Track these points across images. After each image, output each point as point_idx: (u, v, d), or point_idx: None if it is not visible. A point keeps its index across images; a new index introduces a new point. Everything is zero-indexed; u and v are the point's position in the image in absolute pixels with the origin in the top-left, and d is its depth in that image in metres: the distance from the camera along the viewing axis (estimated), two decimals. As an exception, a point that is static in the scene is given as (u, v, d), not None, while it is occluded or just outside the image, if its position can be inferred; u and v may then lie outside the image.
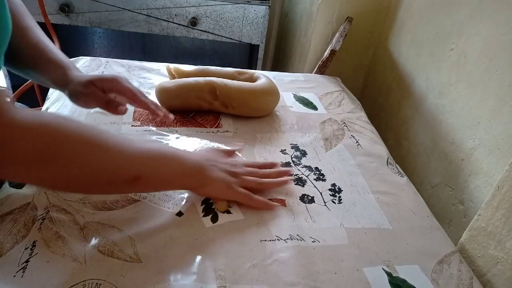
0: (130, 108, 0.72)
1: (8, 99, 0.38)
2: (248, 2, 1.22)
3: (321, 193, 0.60)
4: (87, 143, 0.43)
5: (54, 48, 0.60)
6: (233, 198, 0.54)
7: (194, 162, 0.53)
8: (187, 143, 0.66)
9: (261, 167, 0.60)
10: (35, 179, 0.42)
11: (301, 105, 0.83)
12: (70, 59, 0.62)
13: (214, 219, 0.52)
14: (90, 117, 0.68)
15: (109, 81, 0.59)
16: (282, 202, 0.57)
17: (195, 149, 0.64)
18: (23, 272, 0.42)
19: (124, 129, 0.67)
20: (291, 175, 0.62)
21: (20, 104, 0.77)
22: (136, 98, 0.60)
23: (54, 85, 0.61)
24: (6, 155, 0.37)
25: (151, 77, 0.84)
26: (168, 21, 1.25)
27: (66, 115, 0.44)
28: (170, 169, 0.50)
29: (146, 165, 0.48)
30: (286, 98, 0.84)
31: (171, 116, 0.64)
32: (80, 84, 0.57)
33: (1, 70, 0.56)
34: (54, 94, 0.76)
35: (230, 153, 0.63)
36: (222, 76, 0.78)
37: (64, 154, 0.41)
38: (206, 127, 0.71)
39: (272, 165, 0.62)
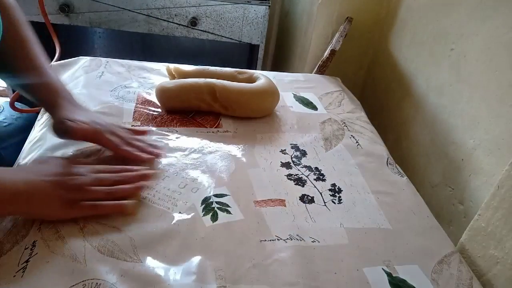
0: (130, 108, 0.72)
1: None
2: (248, 2, 1.22)
3: (321, 193, 0.60)
4: None
5: (49, 68, 0.58)
6: (74, 216, 0.48)
7: (22, 183, 0.45)
8: (187, 143, 0.66)
9: (117, 171, 0.53)
10: None
11: (301, 105, 0.83)
12: (61, 77, 0.60)
13: (214, 218, 0.52)
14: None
15: (91, 135, 0.55)
16: (282, 202, 0.57)
17: (27, 162, 0.56)
18: (23, 272, 0.42)
19: (124, 129, 0.67)
20: (148, 177, 0.55)
21: (20, 104, 0.77)
22: (119, 150, 0.56)
23: (38, 102, 0.59)
24: None
25: (151, 77, 0.84)
26: (168, 21, 1.25)
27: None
28: None
29: None
30: (286, 98, 0.84)
31: (162, 155, 0.61)
32: (64, 130, 0.54)
33: None
34: (54, 94, 0.76)
35: (75, 161, 0.55)
36: (222, 76, 0.78)
37: None
38: (206, 127, 0.71)
39: (130, 170, 0.55)
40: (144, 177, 0.54)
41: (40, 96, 0.57)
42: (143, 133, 0.65)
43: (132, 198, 0.51)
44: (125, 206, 0.50)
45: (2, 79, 0.59)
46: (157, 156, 0.60)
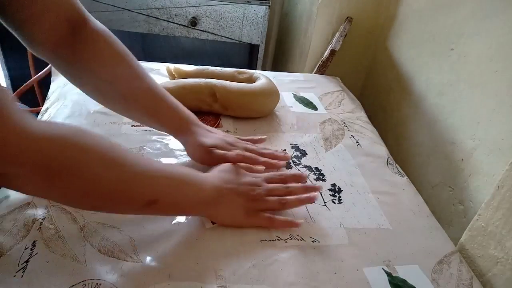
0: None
1: (18, 106, 0.35)
2: (248, 2, 1.22)
3: (321, 193, 0.60)
4: (103, 159, 0.40)
5: (171, 97, 0.59)
6: (252, 225, 0.51)
7: (212, 188, 0.50)
8: (187, 143, 0.66)
9: (286, 181, 0.56)
10: (44, 193, 0.40)
11: (301, 105, 0.83)
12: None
13: (214, 219, 0.52)
14: (91, 117, 0.68)
15: (228, 151, 0.58)
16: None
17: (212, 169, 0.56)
18: (23, 272, 0.42)
19: (124, 129, 0.67)
20: (319, 190, 0.57)
21: (20, 104, 0.77)
22: (258, 162, 0.59)
23: (166, 131, 0.61)
24: (16, 168, 0.35)
25: (151, 77, 0.84)
26: (168, 21, 1.25)
27: (83, 127, 0.41)
28: (188, 196, 0.48)
29: (164, 189, 0.45)
30: (286, 98, 0.84)
31: (288, 156, 0.64)
32: (211, 159, 0.57)
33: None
34: (54, 94, 0.76)
35: (249, 169, 0.57)
36: (222, 76, 0.78)
37: (76, 168, 0.38)
38: (206, 127, 0.71)
39: (298, 178, 0.58)
40: (310, 189, 0.56)
41: (169, 125, 0.59)
42: (261, 140, 0.67)
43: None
44: (298, 224, 0.52)
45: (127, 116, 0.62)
46: (287, 158, 0.64)
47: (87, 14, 0.55)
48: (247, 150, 0.61)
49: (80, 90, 0.57)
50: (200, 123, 0.62)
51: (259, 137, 0.67)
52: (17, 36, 0.49)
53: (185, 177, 0.49)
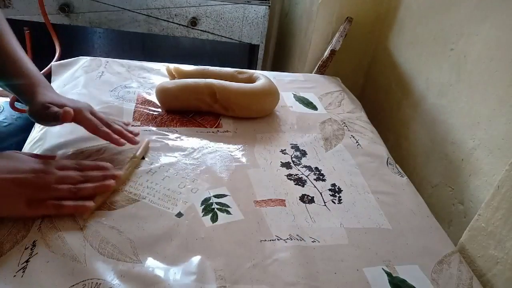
0: (130, 108, 0.72)
1: None
2: (248, 2, 1.22)
3: (321, 193, 0.60)
4: None
5: (28, 61, 0.58)
6: (36, 215, 0.48)
7: None
8: (187, 143, 0.66)
9: (83, 169, 0.53)
10: None
11: (301, 105, 0.83)
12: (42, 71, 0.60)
13: (214, 219, 0.52)
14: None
15: (74, 115, 0.55)
16: (282, 202, 0.57)
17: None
18: (23, 272, 0.42)
19: (124, 129, 0.67)
20: (118, 177, 0.54)
21: (20, 104, 0.77)
22: (97, 130, 0.57)
23: (16, 93, 0.59)
24: None
25: (151, 77, 0.84)
26: (168, 21, 1.25)
27: None
28: None
29: None
30: (286, 98, 0.84)
31: (136, 138, 0.62)
32: (47, 114, 0.54)
33: None
34: (54, 94, 0.76)
35: (39, 156, 0.53)
36: (222, 76, 0.78)
37: None
38: (206, 127, 0.71)
39: (99, 167, 0.54)
40: (109, 176, 0.52)
41: (19, 88, 0.58)
42: (128, 123, 0.65)
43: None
44: (86, 207, 0.49)
45: None
46: (133, 141, 0.60)
47: None
48: (97, 118, 0.58)
49: None
50: (51, 88, 0.60)
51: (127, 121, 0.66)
52: None
53: None
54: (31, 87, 0.57)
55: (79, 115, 0.56)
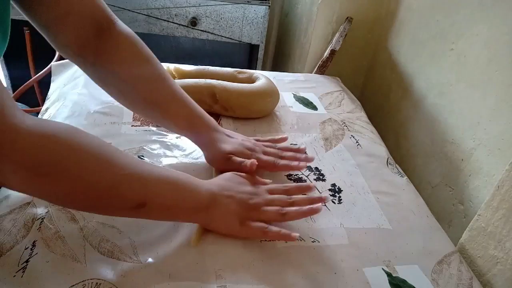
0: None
1: (13, 102, 0.36)
2: (248, 2, 1.22)
3: (321, 193, 0.60)
4: (93, 158, 0.40)
5: (192, 101, 0.59)
6: (245, 236, 0.50)
7: (207, 194, 0.48)
8: (187, 143, 0.66)
9: (290, 192, 0.54)
10: (36, 191, 0.40)
11: (301, 105, 0.83)
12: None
13: (214, 219, 0.52)
14: (90, 117, 0.68)
15: (246, 157, 0.57)
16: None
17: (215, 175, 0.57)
18: (23, 272, 0.42)
19: (124, 129, 0.67)
20: (325, 201, 0.55)
21: (20, 104, 0.77)
22: (275, 167, 0.58)
23: (187, 136, 0.61)
24: (5, 163, 0.35)
25: (151, 77, 0.84)
26: (168, 21, 1.25)
27: (77, 127, 0.41)
28: (180, 200, 0.46)
29: (154, 192, 0.44)
30: (286, 98, 0.84)
31: (311, 158, 0.62)
32: (221, 155, 0.57)
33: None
34: (54, 94, 0.76)
35: (252, 179, 0.55)
36: (222, 76, 0.78)
37: (65, 166, 0.38)
38: (206, 127, 0.71)
39: (304, 189, 0.55)
40: (315, 200, 0.53)
41: (189, 131, 0.60)
42: (283, 139, 0.66)
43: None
44: (291, 237, 0.49)
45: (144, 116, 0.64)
46: (309, 159, 0.62)
47: (114, 17, 0.56)
48: (266, 153, 0.60)
49: (105, 91, 0.58)
50: (220, 128, 0.61)
51: (280, 136, 0.66)
52: (46, 39, 0.50)
53: (178, 181, 0.47)
54: (207, 132, 0.59)
55: (258, 160, 0.57)
